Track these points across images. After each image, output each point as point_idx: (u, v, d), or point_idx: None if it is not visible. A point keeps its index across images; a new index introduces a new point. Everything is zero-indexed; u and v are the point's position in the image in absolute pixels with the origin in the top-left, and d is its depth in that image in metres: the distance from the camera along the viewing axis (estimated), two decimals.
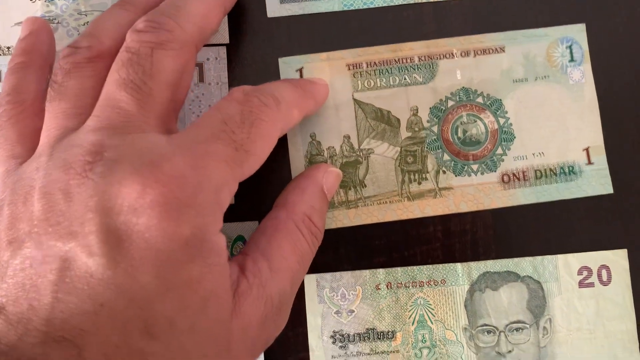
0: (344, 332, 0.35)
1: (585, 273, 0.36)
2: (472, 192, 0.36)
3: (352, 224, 0.36)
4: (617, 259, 0.36)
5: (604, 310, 0.36)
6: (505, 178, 0.36)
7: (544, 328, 0.36)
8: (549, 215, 0.36)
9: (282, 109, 0.29)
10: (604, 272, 0.36)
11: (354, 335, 0.35)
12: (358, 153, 0.36)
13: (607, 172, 0.36)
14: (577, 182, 0.36)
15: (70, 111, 0.26)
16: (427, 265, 0.36)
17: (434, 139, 0.36)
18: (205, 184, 0.25)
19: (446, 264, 0.36)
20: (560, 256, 0.36)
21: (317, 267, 0.36)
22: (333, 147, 0.36)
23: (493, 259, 0.36)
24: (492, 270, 0.36)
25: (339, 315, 0.35)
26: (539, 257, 0.36)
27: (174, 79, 0.27)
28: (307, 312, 0.35)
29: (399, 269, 0.35)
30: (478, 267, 0.36)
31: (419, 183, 0.36)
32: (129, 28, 0.27)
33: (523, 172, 0.36)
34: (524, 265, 0.36)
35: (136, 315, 0.23)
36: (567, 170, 0.36)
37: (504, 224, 0.36)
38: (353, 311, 0.35)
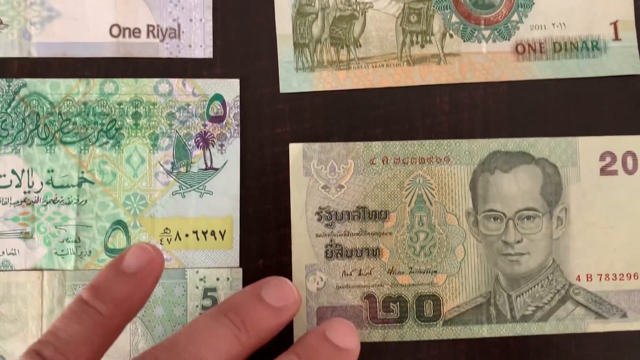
0: (331, 209, 0.31)
1: (608, 159, 0.31)
2: (481, 61, 0.32)
3: (343, 87, 0.31)
4: None
5: (627, 203, 0.31)
6: (520, 48, 0.32)
7: (559, 218, 0.31)
8: (569, 93, 0.32)
9: None
10: (629, 159, 0.31)
11: (342, 213, 0.31)
12: (354, 7, 0.32)
13: (637, 50, 0.32)
14: (601, 59, 0.32)
15: None
16: (430, 140, 0.31)
17: None
18: None
19: (452, 140, 0.31)
20: (580, 138, 0.31)
21: (303, 136, 0.31)
22: None
23: (506, 137, 0.31)
24: (503, 150, 0.31)
25: (327, 190, 0.31)
26: (557, 138, 0.31)
27: None
28: (291, 184, 0.31)
29: (397, 142, 0.31)
30: (488, 145, 0.31)
31: (422, 46, 0.32)
32: (102, 340, 0.23)
33: (540, 44, 0.32)
34: (540, 146, 0.31)
35: None
36: (590, 45, 0.32)
37: (519, 100, 0.32)
38: (343, 187, 0.31)
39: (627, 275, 0.31)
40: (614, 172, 0.31)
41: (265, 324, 0.25)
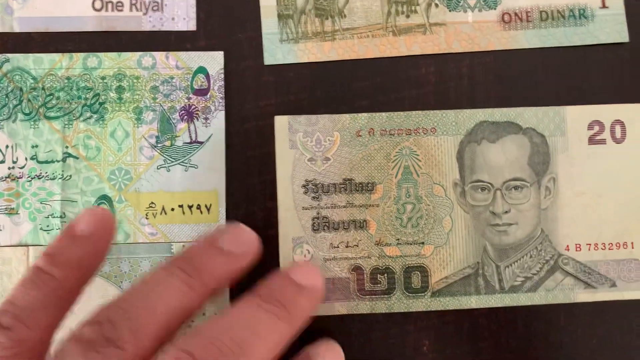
0: (318, 182, 0.30)
1: (596, 128, 0.31)
2: (467, 31, 0.31)
3: (328, 58, 0.31)
4: (634, 114, 0.31)
5: (616, 172, 0.31)
6: (506, 17, 0.32)
7: (547, 188, 0.31)
8: (557, 62, 0.32)
9: None
10: (617, 128, 0.31)
11: (328, 186, 0.30)
12: None
13: (624, 18, 0.32)
14: (588, 28, 0.32)
15: None
16: (416, 111, 0.31)
17: None
18: None
19: (438, 111, 0.31)
20: (568, 107, 0.31)
21: (289, 109, 0.31)
22: None
23: (493, 107, 0.31)
24: (490, 120, 0.31)
25: (313, 162, 0.30)
26: (545, 108, 0.31)
27: None
28: (277, 158, 0.30)
29: (383, 114, 0.31)
30: (475, 116, 0.31)
31: (407, 16, 0.31)
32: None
33: (527, 12, 0.32)
34: (527, 115, 0.31)
35: None
36: (577, 13, 0.32)
37: (506, 69, 0.32)
38: (329, 159, 0.31)
39: (616, 244, 0.31)
40: (602, 141, 0.31)
41: (221, 270, 0.25)
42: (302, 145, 0.30)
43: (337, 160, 0.30)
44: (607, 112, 0.31)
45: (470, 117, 0.31)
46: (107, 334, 0.22)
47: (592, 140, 0.31)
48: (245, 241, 0.26)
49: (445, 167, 0.30)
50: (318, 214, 0.30)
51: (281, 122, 0.30)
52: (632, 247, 0.31)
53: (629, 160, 0.31)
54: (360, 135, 0.31)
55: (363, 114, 0.31)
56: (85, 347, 0.21)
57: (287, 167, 0.30)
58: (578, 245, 0.31)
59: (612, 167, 0.31)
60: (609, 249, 0.31)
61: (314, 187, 0.30)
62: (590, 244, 0.31)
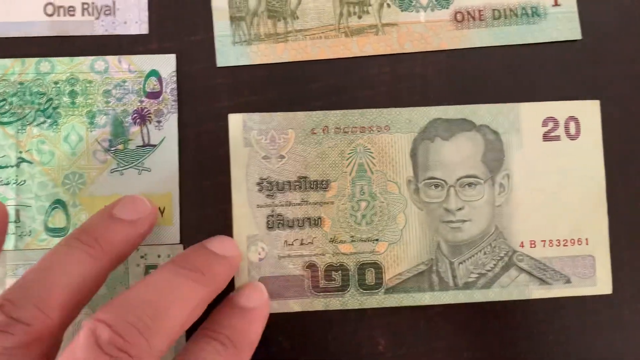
0: (272, 180, 0.30)
1: (550, 124, 0.31)
2: (420, 31, 0.32)
3: (281, 60, 0.31)
4: (588, 110, 0.31)
5: (570, 168, 0.31)
6: (459, 16, 0.32)
7: (501, 185, 0.31)
8: (510, 61, 0.32)
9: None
10: (572, 125, 0.31)
11: (283, 184, 0.30)
12: None
13: (576, 15, 0.32)
14: (540, 26, 0.32)
15: None
16: (370, 109, 0.31)
17: None
18: None
19: (392, 109, 0.31)
20: (522, 104, 0.31)
21: (242, 110, 0.31)
22: None
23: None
24: (444, 117, 0.31)
25: (268, 160, 0.31)
26: (499, 105, 0.31)
27: None
28: (231, 155, 0.31)
29: (338, 111, 0.31)
30: (428, 113, 0.31)
31: (360, 17, 0.32)
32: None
33: (479, 11, 0.32)
34: (481, 112, 0.31)
35: None
36: (529, 11, 0.32)
37: (459, 68, 0.32)
38: (283, 157, 0.31)
39: (570, 241, 0.31)
40: (557, 138, 0.31)
41: (120, 238, 0.26)
42: (257, 143, 0.30)
43: (292, 158, 0.30)
44: (561, 109, 0.31)
45: (424, 114, 0.31)
46: (11, 314, 0.22)
47: (546, 137, 0.31)
48: (139, 209, 0.27)
49: (399, 165, 0.31)
50: (273, 211, 0.30)
51: (235, 120, 0.31)
52: (587, 244, 0.31)
53: (583, 156, 0.31)
54: (314, 133, 0.31)
55: (318, 111, 0.31)
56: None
57: (241, 165, 0.30)
58: (532, 242, 0.31)
59: (567, 164, 0.31)
60: (564, 245, 0.31)
61: (268, 185, 0.30)
62: (545, 241, 0.31)
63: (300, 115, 0.31)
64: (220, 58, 0.31)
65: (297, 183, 0.30)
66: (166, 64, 0.31)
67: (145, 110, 0.31)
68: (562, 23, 0.32)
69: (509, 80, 0.32)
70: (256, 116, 0.31)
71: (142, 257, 0.30)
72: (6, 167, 0.30)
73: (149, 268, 0.30)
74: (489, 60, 0.32)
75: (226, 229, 0.30)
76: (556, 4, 0.32)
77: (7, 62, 0.31)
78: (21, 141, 0.31)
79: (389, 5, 0.31)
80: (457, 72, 0.32)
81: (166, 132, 0.31)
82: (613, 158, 0.31)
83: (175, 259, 0.26)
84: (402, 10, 0.32)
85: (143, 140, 0.31)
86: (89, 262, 0.24)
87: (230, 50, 0.31)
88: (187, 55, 0.31)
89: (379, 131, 0.31)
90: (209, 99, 0.31)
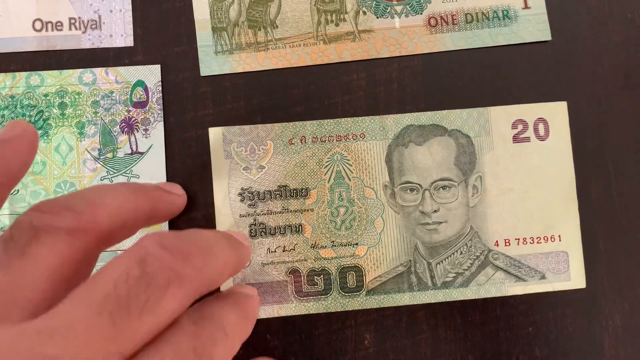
0: (254, 190, 0.32)
1: (520, 127, 0.32)
2: (395, 36, 0.33)
3: (262, 67, 0.32)
4: (556, 112, 0.32)
5: (541, 168, 0.32)
6: (432, 21, 0.33)
7: (474, 186, 0.32)
8: (483, 63, 0.33)
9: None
10: (540, 126, 0.32)
11: (264, 193, 0.32)
12: None
13: (546, 17, 0.33)
14: (512, 28, 0.33)
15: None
16: (345, 118, 0.32)
17: None
18: None
19: (366, 117, 0.32)
20: (492, 108, 0.32)
21: (226, 118, 0.32)
22: None
23: (423, 110, 0.32)
24: (416, 124, 0.32)
25: (248, 171, 0.32)
26: (469, 109, 0.32)
27: None
28: (212, 167, 0.32)
29: (314, 121, 0.32)
30: (401, 120, 0.32)
31: (337, 24, 0.33)
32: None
33: (452, 15, 0.33)
34: (452, 117, 0.32)
35: None
36: (501, 14, 0.33)
37: (434, 71, 0.33)
38: (263, 167, 0.32)
39: (543, 238, 0.32)
40: (527, 139, 0.32)
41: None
42: (237, 154, 0.32)
43: (272, 168, 0.32)
44: (530, 111, 0.32)
45: (397, 121, 0.32)
46: (65, 203, 0.21)
47: (516, 139, 0.32)
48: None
49: (375, 171, 0.32)
50: (255, 220, 0.31)
51: (215, 134, 0.32)
52: (560, 240, 0.32)
53: (552, 156, 0.32)
54: (292, 143, 0.32)
55: (294, 122, 0.32)
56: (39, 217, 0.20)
57: (223, 176, 0.32)
58: (507, 240, 0.32)
59: (537, 164, 0.32)
60: (537, 242, 0.32)
61: (250, 194, 0.32)
62: (519, 239, 0.32)
63: (277, 126, 0.32)
64: (204, 67, 0.32)
65: (277, 192, 0.32)
66: (151, 74, 0.32)
67: (133, 119, 0.32)
68: (532, 25, 0.33)
69: (482, 81, 0.33)
70: (235, 129, 0.32)
71: None
72: None
73: None
74: (463, 62, 0.33)
75: None
76: (526, 7, 0.33)
77: None
78: None
79: (364, 13, 0.32)
80: (432, 75, 0.33)
81: (153, 140, 0.32)
82: (582, 156, 0.32)
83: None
84: (377, 17, 0.32)
85: (131, 148, 0.32)
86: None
87: (213, 60, 0.32)
88: (172, 65, 0.33)
89: (354, 139, 0.32)
90: (193, 107, 0.32)
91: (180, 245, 0.20)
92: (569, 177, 0.32)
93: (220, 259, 0.22)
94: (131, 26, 0.33)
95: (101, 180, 0.32)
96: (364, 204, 0.32)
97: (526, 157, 0.32)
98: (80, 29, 0.32)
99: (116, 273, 0.19)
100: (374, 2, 0.32)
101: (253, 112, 0.32)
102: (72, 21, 0.32)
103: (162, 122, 0.32)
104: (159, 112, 0.32)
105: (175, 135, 0.32)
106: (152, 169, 0.32)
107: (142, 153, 0.32)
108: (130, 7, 0.33)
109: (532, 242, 0.32)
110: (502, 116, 0.32)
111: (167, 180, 0.32)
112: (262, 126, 0.32)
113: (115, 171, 0.32)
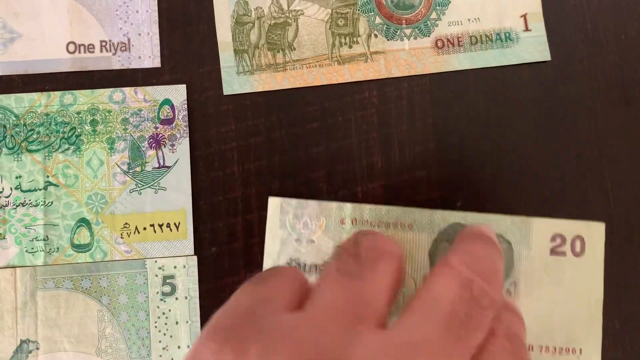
0: (301, 261, 0.33)
1: (558, 241, 0.33)
2: (405, 57, 0.35)
3: (281, 87, 0.35)
4: (594, 232, 0.33)
5: (572, 283, 0.33)
6: (439, 43, 0.35)
7: (508, 291, 0.33)
8: (486, 81, 0.35)
9: None
10: (577, 243, 0.33)
11: (310, 266, 0.33)
12: (287, 15, 0.35)
13: (545, 38, 0.36)
14: (513, 49, 0.35)
15: None
16: (395, 207, 0.33)
17: (366, 1, 0.35)
18: None
19: (415, 209, 0.33)
20: (535, 219, 0.33)
21: (247, 133, 0.35)
22: (261, 7, 0.35)
23: (430, 126, 0.35)
24: (462, 222, 0.33)
25: (299, 243, 0.33)
26: (513, 217, 0.33)
27: None
28: (267, 235, 0.33)
29: (367, 206, 0.33)
30: (449, 218, 0.33)
31: (350, 47, 0.35)
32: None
33: (457, 38, 0.35)
34: (495, 221, 0.33)
35: None
36: (503, 36, 0.35)
37: (441, 89, 0.35)
38: (313, 241, 0.33)
39: (565, 349, 0.33)
40: (563, 253, 0.33)
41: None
42: (291, 226, 0.33)
43: (321, 243, 0.33)
44: (569, 227, 0.33)
45: (445, 218, 0.33)
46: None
47: (553, 252, 0.33)
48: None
49: (417, 262, 0.32)
50: None
51: (274, 204, 0.33)
52: (580, 353, 0.33)
53: (584, 273, 0.33)
54: (344, 223, 0.33)
55: (349, 204, 0.33)
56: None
57: (275, 244, 0.33)
58: (531, 346, 0.33)
59: (569, 278, 0.33)
60: (559, 353, 0.33)
61: (297, 265, 0.32)
62: (542, 346, 0.33)
63: (332, 205, 0.33)
64: (226, 87, 0.35)
65: (322, 267, 0.33)
66: (177, 93, 0.35)
67: (160, 135, 0.34)
68: (533, 46, 0.35)
69: (486, 99, 0.35)
70: (293, 202, 0.33)
71: (159, 268, 0.34)
72: (35, 190, 0.34)
73: (166, 278, 0.34)
74: (467, 81, 0.35)
75: (236, 241, 0.34)
76: (527, 29, 0.36)
77: (35, 95, 0.34)
78: (48, 166, 0.34)
79: (376, 36, 0.35)
80: (439, 93, 0.35)
81: (179, 155, 0.34)
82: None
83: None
84: (388, 40, 0.35)
85: (159, 162, 0.34)
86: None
87: (235, 80, 0.35)
88: (196, 85, 0.35)
89: (402, 228, 0.33)
90: (217, 123, 0.35)
91: (482, 269, 0.23)
92: (598, 296, 0.33)
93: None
94: (158, 48, 0.35)
95: (130, 192, 0.34)
96: (403, 293, 0.32)
97: (560, 270, 0.33)
98: (110, 51, 0.35)
99: (449, 294, 0.21)
100: (385, 26, 0.35)
101: (272, 128, 0.35)
102: (103, 44, 0.35)
103: (187, 138, 0.34)
104: (185, 128, 0.34)
105: (200, 150, 0.34)
106: (179, 181, 0.34)
107: (169, 167, 0.34)
108: (157, 30, 0.35)
109: (554, 351, 0.33)
110: (542, 228, 0.33)
111: (193, 193, 0.34)
112: (318, 203, 0.33)
113: (144, 184, 0.34)
